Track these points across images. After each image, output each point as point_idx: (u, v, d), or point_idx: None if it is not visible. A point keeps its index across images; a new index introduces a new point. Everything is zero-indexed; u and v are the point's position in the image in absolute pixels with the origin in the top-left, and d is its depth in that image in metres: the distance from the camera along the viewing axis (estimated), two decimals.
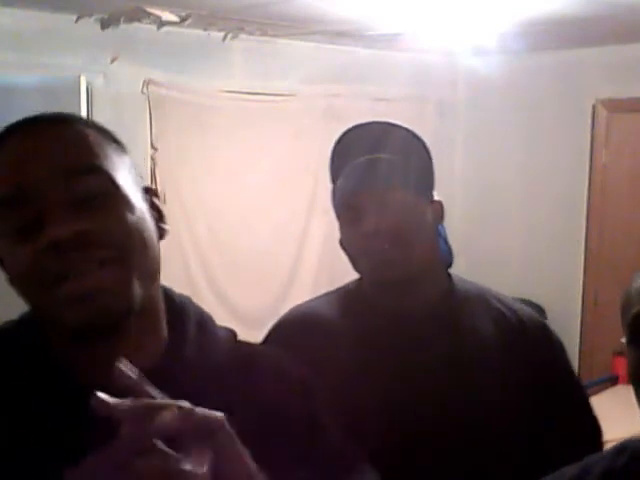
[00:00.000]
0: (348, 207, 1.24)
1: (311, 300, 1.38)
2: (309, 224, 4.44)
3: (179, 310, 0.85)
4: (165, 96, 3.90)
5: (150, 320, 0.80)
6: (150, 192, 0.83)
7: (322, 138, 4.37)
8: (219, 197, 4.13)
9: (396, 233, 1.19)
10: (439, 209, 1.30)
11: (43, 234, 0.71)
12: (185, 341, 0.82)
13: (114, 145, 0.81)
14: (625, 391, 4.20)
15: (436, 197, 1.32)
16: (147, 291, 0.78)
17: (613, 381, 4.09)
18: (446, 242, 1.39)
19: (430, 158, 1.32)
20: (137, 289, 0.76)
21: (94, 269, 0.72)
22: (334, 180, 1.32)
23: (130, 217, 0.76)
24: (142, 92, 3.83)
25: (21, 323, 0.83)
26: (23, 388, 0.76)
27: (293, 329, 1.30)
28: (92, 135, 0.78)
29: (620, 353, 4.29)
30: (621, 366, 4.26)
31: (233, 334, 0.90)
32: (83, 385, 0.75)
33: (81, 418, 0.72)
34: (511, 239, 4.81)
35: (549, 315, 4.17)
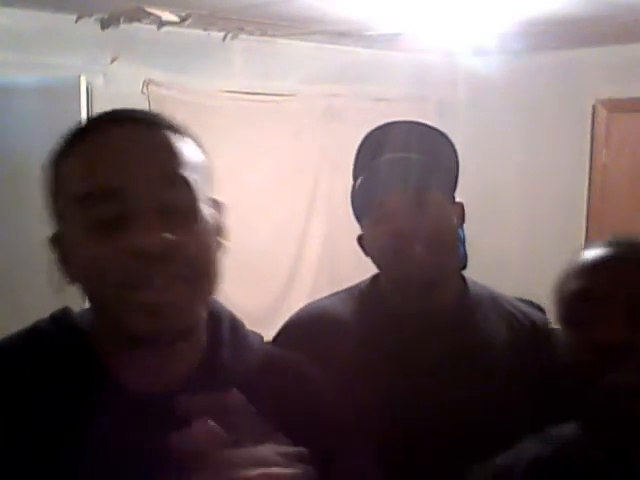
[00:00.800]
0: (378, 205, 1.21)
1: (323, 298, 1.36)
2: (309, 224, 4.44)
3: (214, 315, 0.86)
4: (165, 96, 3.90)
5: (196, 330, 0.82)
6: (217, 205, 0.84)
7: (322, 138, 4.38)
8: (219, 197, 4.12)
9: (430, 236, 1.18)
10: (461, 211, 1.30)
11: (131, 237, 0.72)
12: (221, 346, 0.83)
13: (200, 154, 0.82)
14: None
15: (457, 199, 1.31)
16: (205, 308, 0.81)
17: None
18: (463, 245, 1.38)
19: (457, 159, 1.31)
20: (201, 309, 0.79)
21: (172, 284, 0.73)
22: (356, 177, 1.29)
23: (206, 236, 0.77)
24: (142, 92, 3.83)
25: (58, 323, 0.82)
26: (65, 390, 0.76)
27: (306, 327, 1.29)
28: (186, 144, 0.79)
29: None
30: None
31: (261, 337, 0.91)
32: (124, 388, 0.77)
33: (122, 420, 0.74)
34: (511, 239, 4.81)
35: (549, 315, 4.16)
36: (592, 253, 0.91)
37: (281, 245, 4.38)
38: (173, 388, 0.77)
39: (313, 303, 1.35)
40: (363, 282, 1.34)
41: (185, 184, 0.76)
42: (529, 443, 0.96)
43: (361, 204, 1.27)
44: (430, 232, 1.18)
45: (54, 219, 0.80)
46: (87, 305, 0.81)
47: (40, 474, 0.72)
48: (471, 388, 1.17)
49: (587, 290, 0.88)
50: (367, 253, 1.27)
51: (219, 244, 0.82)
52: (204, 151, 0.83)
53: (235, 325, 0.88)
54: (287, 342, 1.28)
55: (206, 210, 0.79)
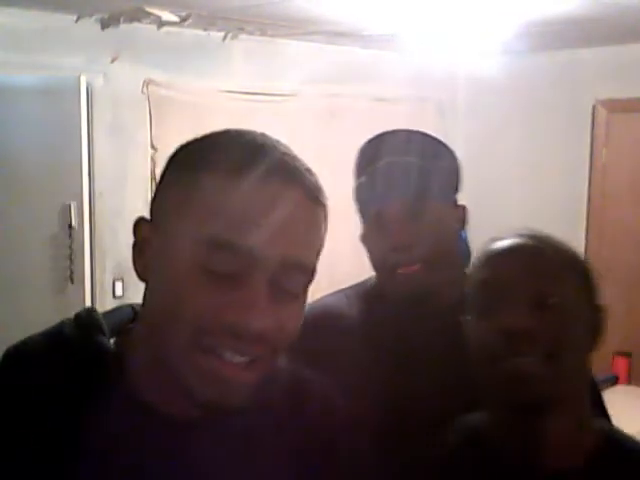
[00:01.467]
0: (376, 214, 1.22)
1: (328, 295, 1.35)
2: None
3: None
4: (165, 96, 3.90)
5: None
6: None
7: (322, 138, 4.38)
8: None
9: (426, 249, 1.18)
10: (463, 214, 1.30)
11: (253, 313, 0.68)
12: None
13: (325, 224, 0.78)
14: (625, 391, 4.21)
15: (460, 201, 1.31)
16: None
17: (613, 381, 4.09)
18: (466, 244, 1.38)
19: (457, 163, 1.31)
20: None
21: (246, 364, 0.70)
22: (358, 177, 1.29)
23: (296, 320, 0.75)
24: (142, 92, 3.83)
25: (84, 331, 0.77)
26: (87, 405, 0.73)
27: (311, 324, 1.29)
28: (319, 219, 0.75)
29: (620, 353, 4.29)
30: (621, 366, 4.26)
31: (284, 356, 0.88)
32: (150, 408, 0.74)
33: (142, 437, 0.73)
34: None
35: None
36: (497, 244, 0.95)
37: None
38: (201, 416, 0.74)
39: (318, 300, 1.35)
40: (369, 279, 1.33)
41: (306, 269, 0.74)
42: (444, 433, 0.99)
43: (360, 207, 1.27)
44: (426, 245, 1.18)
45: (155, 212, 0.75)
46: (98, 305, 0.78)
47: None
48: (469, 386, 1.18)
49: (491, 279, 0.91)
50: (367, 255, 1.27)
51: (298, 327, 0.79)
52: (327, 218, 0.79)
53: None
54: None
55: (306, 294, 0.77)
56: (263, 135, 0.81)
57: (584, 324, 0.90)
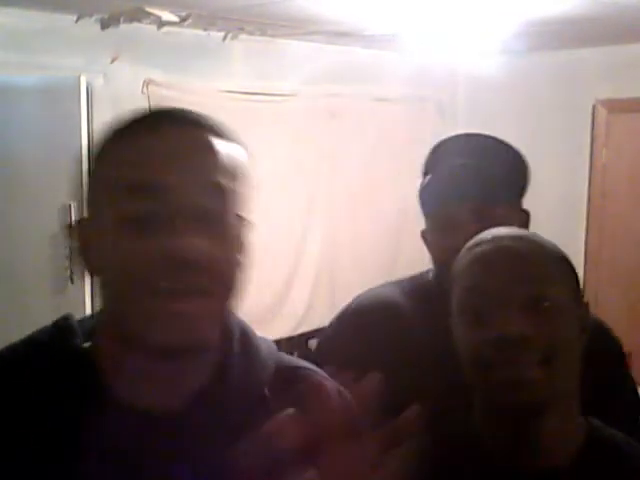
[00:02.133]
0: (443, 215, 1.23)
1: (382, 287, 1.35)
2: (309, 224, 4.44)
3: (226, 327, 0.83)
4: (165, 96, 3.89)
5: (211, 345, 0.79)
6: (245, 223, 0.81)
7: (322, 138, 4.38)
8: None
9: None
10: (526, 220, 1.30)
11: (167, 239, 0.70)
12: (232, 362, 0.80)
13: (245, 165, 0.80)
14: None
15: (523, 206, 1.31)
16: (225, 318, 0.79)
17: None
18: None
19: (526, 168, 1.31)
20: (219, 322, 0.77)
21: (196, 294, 0.71)
22: (425, 174, 1.30)
23: (231, 249, 0.75)
24: (142, 92, 3.83)
25: (58, 335, 0.79)
26: (64, 408, 0.73)
27: (369, 315, 1.28)
28: (234, 153, 0.79)
29: None
30: None
31: (274, 347, 0.88)
32: (128, 405, 0.74)
33: (119, 436, 0.72)
34: None
35: None
36: (481, 248, 0.92)
37: (281, 245, 4.38)
38: (180, 406, 0.75)
39: (372, 291, 1.35)
40: (426, 273, 1.33)
41: (223, 194, 0.75)
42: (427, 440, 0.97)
43: (425, 205, 1.28)
44: None
45: (87, 205, 0.78)
46: (88, 308, 0.79)
47: None
48: None
49: (481, 285, 0.89)
50: (429, 252, 1.27)
51: (242, 260, 0.79)
52: (248, 163, 0.82)
53: (246, 337, 0.85)
54: (349, 329, 1.27)
55: (235, 223, 0.77)
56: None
57: (575, 323, 0.90)
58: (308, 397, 0.83)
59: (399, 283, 1.35)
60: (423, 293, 1.29)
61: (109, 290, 0.75)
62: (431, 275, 1.32)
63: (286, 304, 4.24)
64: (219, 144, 0.78)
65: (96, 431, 0.72)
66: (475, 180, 1.21)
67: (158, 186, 0.72)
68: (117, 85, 3.71)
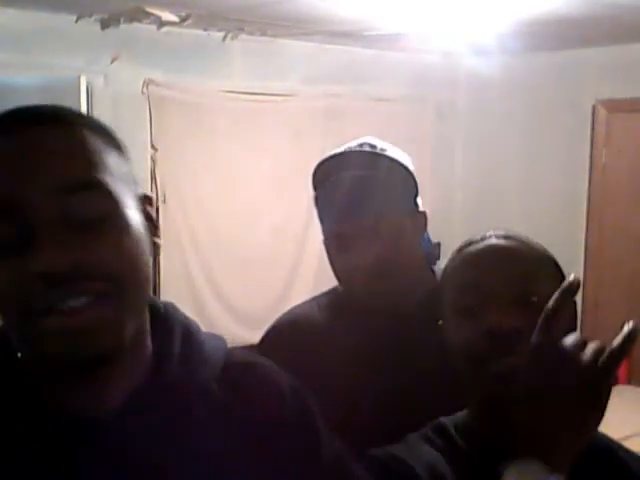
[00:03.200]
0: (334, 236, 1.25)
1: (301, 304, 1.38)
2: (309, 224, 4.44)
3: (164, 321, 0.79)
4: (165, 96, 3.90)
5: (137, 344, 0.74)
6: (145, 201, 0.75)
7: (322, 138, 4.38)
8: (219, 197, 4.13)
9: (382, 268, 1.20)
10: (423, 221, 1.31)
11: (34, 258, 0.63)
12: (170, 360, 0.76)
13: (114, 148, 0.72)
14: (624, 391, 4.21)
15: (421, 207, 1.32)
16: (139, 321, 0.73)
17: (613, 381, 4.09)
18: (429, 240, 1.39)
19: (408, 169, 1.31)
20: (131, 325, 0.69)
21: (88, 304, 0.65)
22: (315, 188, 1.31)
23: (128, 243, 0.68)
24: (142, 92, 3.83)
25: None
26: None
27: (284, 334, 1.31)
28: (91, 140, 0.69)
29: None
30: (620, 366, 4.26)
31: (223, 343, 0.84)
32: (60, 413, 0.70)
33: (59, 446, 0.69)
34: None
35: None
36: (473, 247, 0.96)
37: (281, 245, 4.38)
38: (115, 409, 0.71)
39: (291, 310, 1.38)
40: (340, 286, 1.35)
41: (97, 187, 0.67)
42: (420, 439, 0.97)
43: (320, 219, 1.29)
44: (387, 259, 1.20)
45: None
46: None
47: None
48: (443, 383, 1.19)
49: (473, 281, 0.92)
50: (329, 262, 1.29)
51: (150, 246, 0.72)
52: (124, 147, 0.74)
53: (188, 333, 0.80)
54: (266, 349, 1.30)
55: (128, 213, 0.69)
56: None
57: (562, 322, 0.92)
58: (260, 391, 0.81)
59: (316, 298, 1.37)
60: (336, 307, 1.32)
61: (6, 323, 0.69)
62: (340, 289, 1.33)
63: (286, 304, 4.24)
64: (79, 137, 0.69)
65: (30, 438, 0.69)
66: (358, 188, 1.22)
67: (11, 201, 0.65)
68: (117, 85, 3.72)
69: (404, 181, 1.29)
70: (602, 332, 4.45)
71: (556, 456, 0.79)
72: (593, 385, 0.78)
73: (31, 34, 3.46)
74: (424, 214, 1.31)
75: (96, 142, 0.70)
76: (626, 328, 0.79)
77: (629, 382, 4.21)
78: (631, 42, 4.14)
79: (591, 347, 0.79)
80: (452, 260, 0.98)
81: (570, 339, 0.79)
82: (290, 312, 1.37)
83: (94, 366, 0.68)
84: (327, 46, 4.35)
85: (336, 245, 1.24)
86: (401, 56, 4.58)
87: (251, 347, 1.26)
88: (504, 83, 4.75)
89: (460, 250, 0.97)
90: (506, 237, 0.96)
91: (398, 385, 1.19)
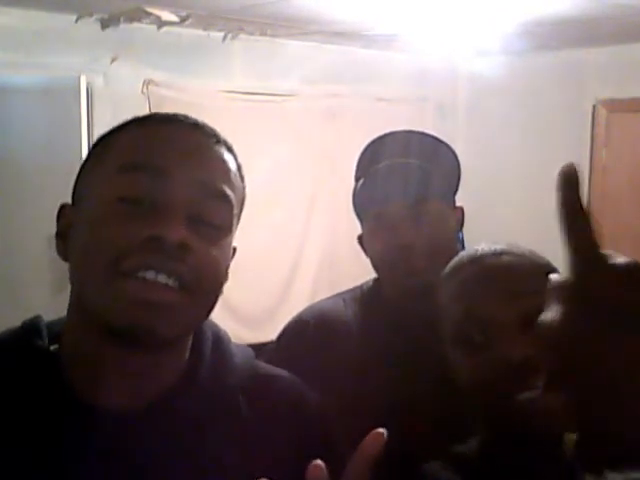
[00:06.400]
0: (377, 214, 1.23)
1: (325, 300, 1.36)
2: (309, 224, 4.44)
3: (198, 329, 0.81)
4: (165, 96, 3.90)
5: (183, 344, 0.77)
6: (233, 234, 0.81)
7: (322, 138, 4.38)
8: None
9: (428, 247, 1.18)
10: (460, 216, 1.31)
11: (154, 225, 0.68)
12: (201, 365, 0.78)
13: (239, 171, 0.80)
14: None
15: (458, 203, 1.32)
16: (200, 323, 0.78)
17: None
18: (463, 246, 1.39)
19: (458, 163, 1.32)
20: (195, 322, 0.75)
21: (169, 287, 0.69)
22: (358, 178, 1.30)
23: (222, 257, 0.75)
24: (142, 92, 3.83)
25: (23, 337, 0.77)
26: (28, 412, 0.71)
27: (308, 329, 1.29)
28: (229, 159, 0.78)
29: None
30: None
31: (250, 354, 0.86)
32: (92, 407, 0.72)
33: (84, 437, 0.70)
34: (511, 239, 4.80)
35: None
36: (472, 269, 0.86)
37: (281, 245, 4.37)
38: (146, 407, 0.73)
39: (316, 304, 1.35)
40: (366, 283, 1.34)
41: (225, 203, 0.75)
42: (436, 467, 0.90)
43: (360, 208, 1.28)
44: (428, 244, 1.19)
45: (73, 191, 0.78)
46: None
47: None
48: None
49: (476, 312, 0.84)
50: (366, 254, 1.28)
51: (225, 275, 0.78)
52: (244, 178, 0.82)
53: (219, 342, 0.82)
54: (290, 343, 1.28)
55: (229, 240, 0.77)
56: None
57: None
58: (287, 407, 0.81)
59: (340, 295, 1.35)
60: (360, 302, 1.30)
61: (82, 272, 0.72)
62: (365, 287, 1.33)
63: (286, 304, 4.24)
64: (223, 152, 0.78)
65: (59, 432, 0.70)
66: (406, 178, 1.21)
67: (160, 168, 0.71)
68: (117, 85, 3.72)
69: (449, 169, 1.29)
70: None
71: None
72: None
73: (31, 34, 3.46)
74: (461, 209, 1.31)
75: (233, 162, 0.79)
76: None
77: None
78: (631, 42, 4.14)
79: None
80: (446, 287, 0.90)
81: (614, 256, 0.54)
82: (314, 306, 1.35)
83: (149, 345, 0.70)
84: (327, 46, 4.35)
85: (377, 226, 1.22)
86: (401, 56, 4.58)
87: (253, 347, 1.26)
88: (504, 83, 4.75)
89: (452, 275, 0.90)
90: (497, 254, 0.89)
91: (427, 380, 1.18)
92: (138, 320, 0.68)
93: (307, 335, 1.27)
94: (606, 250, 0.55)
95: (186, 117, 0.78)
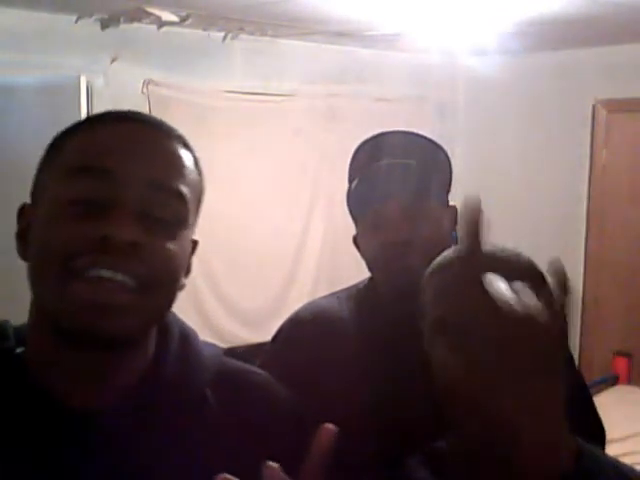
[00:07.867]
0: (373, 213, 1.23)
1: (321, 298, 1.37)
2: (309, 224, 4.44)
3: (164, 326, 0.82)
4: (165, 96, 3.90)
5: (145, 341, 0.78)
6: (193, 243, 0.82)
7: (322, 138, 4.38)
8: (219, 197, 4.13)
9: (424, 246, 1.18)
10: (454, 215, 1.31)
11: (107, 223, 0.69)
12: (166, 361, 0.79)
13: (197, 166, 0.81)
14: (625, 391, 4.21)
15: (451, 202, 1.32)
16: (159, 320, 0.78)
17: (613, 381, 4.09)
18: (456, 240, 1.39)
19: (450, 162, 1.33)
20: (152, 319, 0.76)
21: (124, 285, 0.70)
22: (352, 179, 1.30)
23: (177, 254, 0.75)
24: (142, 92, 3.83)
25: None
26: None
27: (305, 327, 1.30)
28: (185, 155, 0.78)
29: (620, 353, 4.30)
30: (621, 366, 4.27)
31: (219, 351, 0.87)
32: (58, 404, 0.72)
33: (52, 437, 0.71)
34: (511, 239, 4.80)
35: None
36: (449, 271, 0.87)
37: (281, 245, 4.38)
38: (111, 404, 0.73)
39: (311, 303, 1.36)
40: (361, 282, 1.35)
41: (177, 198, 0.75)
42: (417, 462, 0.91)
43: (356, 208, 1.28)
44: (422, 242, 1.19)
45: (31, 192, 0.79)
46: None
47: None
48: None
49: (453, 317, 0.83)
50: (361, 255, 1.28)
51: (182, 275, 0.78)
52: (202, 172, 0.82)
53: (186, 338, 0.83)
54: (286, 341, 1.29)
55: (186, 234, 0.77)
56: None
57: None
58: (255, 401, 0.82)
59: (335, 294, 1.36)
60: (355, 300, 1.31)
61: (36, 273, 0.74)
62: (360, 285, 1.33)
63: (286, 304, 4.24)
64: (175, 147, 0.78)
65: (28, 432, 0.71)
66: (401, 177, 1.21)
67: (109, 170, 0.72)
68: (117, 85, 3.72)
69: (442, 169, 1.30)
70: (602, 332, 4.45)
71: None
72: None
73: (31, 34, 3.46)
74: (455, 208, 1.31)
75: (187, 157, 0.79)
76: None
77: (629, 382, 4.21)
78: (631, 42, 4.14)
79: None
80: (427, 285, 0.91)
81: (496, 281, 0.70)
82: (310, 305, 1.35)
83: (106, 345, 0.71)
84: (327, 46, 4.35)
85: (372, 224, 1.23)
86: (401, 56, 4.58)
87: (253, 347, 1.26)
88: (504, 83, 4.75)
89: (429, 278, 0.91)
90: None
91: (421, 378, 1.18)
92: (86, 322, 0.69)
93: (303, 333, 1.28)
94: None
95: (139, 114, 0.79)
